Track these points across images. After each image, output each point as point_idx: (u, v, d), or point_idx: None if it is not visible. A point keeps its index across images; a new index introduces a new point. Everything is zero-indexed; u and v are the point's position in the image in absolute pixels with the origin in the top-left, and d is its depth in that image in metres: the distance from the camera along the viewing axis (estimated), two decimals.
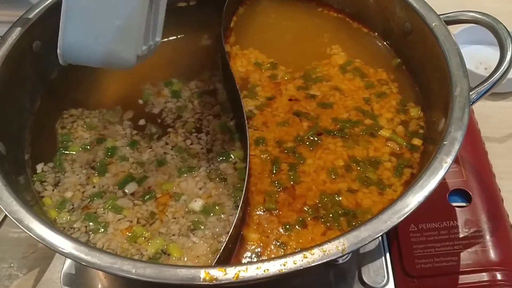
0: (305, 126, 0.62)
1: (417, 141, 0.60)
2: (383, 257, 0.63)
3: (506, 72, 0.56)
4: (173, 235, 0.53)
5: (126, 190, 0.57)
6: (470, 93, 0.55)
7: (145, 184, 0.58)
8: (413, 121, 0.62)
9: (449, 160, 0.49)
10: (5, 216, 0.69)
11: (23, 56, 0.63)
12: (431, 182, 0.48)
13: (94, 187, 0.58)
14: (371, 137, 0.61)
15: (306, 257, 0.43)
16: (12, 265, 0.76)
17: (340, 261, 0.62)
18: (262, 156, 0.59)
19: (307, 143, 0.60)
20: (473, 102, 0.55)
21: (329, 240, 0.44)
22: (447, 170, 0.49)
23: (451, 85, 0.55)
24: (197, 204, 0.55)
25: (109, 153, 0.61)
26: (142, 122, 0.64)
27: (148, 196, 0.56)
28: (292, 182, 0.57)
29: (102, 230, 0.54)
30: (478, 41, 0.95)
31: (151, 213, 0.55)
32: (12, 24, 0.63)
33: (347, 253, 0.43)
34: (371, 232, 0.44)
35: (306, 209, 0.55)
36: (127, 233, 0.54)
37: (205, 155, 0.61)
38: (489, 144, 0.76)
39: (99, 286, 0.62)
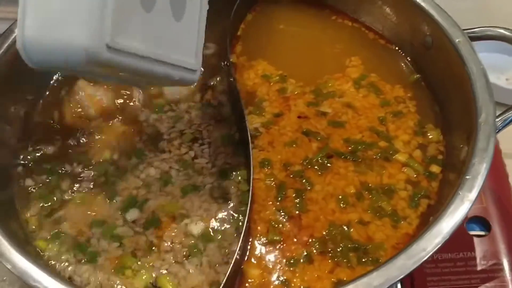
0: (314, 147, 0.57)
1: (435, 168, 0.55)
2: None
3: None
4: (166, 264, 0.49)
5: (128, 218, 0.53)
6: (496, 119, 0.50)
7: (146, 208, 0.54)
8: (431, 145, 0.58)
9: (472, 196, 0.45)
10: None
11: None
12: (451, 222, 0.43)
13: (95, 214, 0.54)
14: (385, 161, 0.56)
15: None
16: (4, 278, 0.74)
17: None
18: (267, 180, 0.55)
19: (316, 166, 0.56)
20: (499, 130, 0.51)
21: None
22: (469, 209, 0.44)
23: (476, 110, 0.51)
24: (198, 228, 0.51)
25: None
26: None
27: (151, 223, 0.53)
28: (298, 211, 0.53)
29: (91, 260, 0.50)
30: (497, 49, 0.89)
31: (149, 243, 0.51)
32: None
33: None
34: (383, 279, 0.41)
35: (312, 241, 0.50)
36: (116, 262, 0.50)
37: (209, 170, 0.57)
38: (508, 161, 0.71)
39: None
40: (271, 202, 0.53)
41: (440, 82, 0.61)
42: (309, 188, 0.54)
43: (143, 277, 0.48)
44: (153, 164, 0.57)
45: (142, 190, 0.55)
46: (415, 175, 0.55)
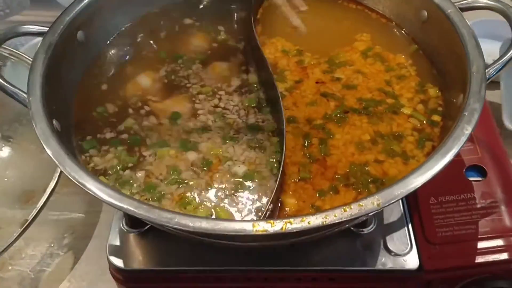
0: (332, 105, 0.67)
1: (436, 117, 0.65)
2: (405, 227, 0.67)
3: None
4: (219, 200, 0.58)
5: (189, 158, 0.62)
6: (486, 69, 0.60)
7: (199, 150, 0.63)
8: (431, 100, 0.67)
9: (470, 128, 0.54)
10: (46, 199, 0.75)
11: (69, 43, 0.69)
12: (454, 146, 0.52)
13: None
14: (393, 114, 0.66)
15: (345, 211, 0.48)
16: (52, 245, 0.81)
17: (366, 231, 0.66)
18: (294, 132, 0.64)
19: (335, 120, 0.65)
20: (489, 78, 0.60)
21: (365, 197, 0.48)
22: (468, 136, 0.53)
23: (468, 63, 0.60)
24: (241, 170, 0.60)
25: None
26: None
27: (205, 164, 0.61)
28: (323, 154, 0.62)
29: (158, 198, 0.59)
30: (486, 35, 1.01)
31: (206, 183, 0.60)
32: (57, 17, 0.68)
33: (382, 207, 0.48)
34: (402, 189, 0.49)
35: (337, 177, 0.59)
36: (179, 198, 0.58)
37: (241, 123, 0.66)
38: None
39: (140, 256, 0.66)
40: (299, 149, 0.62)
41: (436, 49, 0.70)
42: (330, 137, 0.63)
43: (201, 211, 0.57)
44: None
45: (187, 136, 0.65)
46: (419, 124, 0.65)
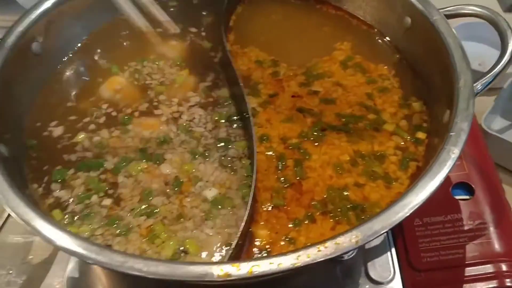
0: (309, 122, 0.62)
1: (421, 135, 0.60)
2: (388, 252, 0.63)
3: (508, 63, 0.56)
4: (189, 231, 0.53)
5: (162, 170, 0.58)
6: (474, 84, 0.55)
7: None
8: (416, 115, 0.62)
9: (457, 150, 0.49)
10: (5, 221, 0.69)
11: (23, 57, 0.62)
12: (440, 172, 0.48)
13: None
14: (375, 131, 0.61)
15: (320, 251, 0.42)
16: (10, 271, 0.75)
17: (346, 257, 0.62)
18: (267, 153, 0.59)
19: (312, 138, 0.60)
20: (477, 93, 0.56)
21: (342, 233, 0.43)
22: (455, 161, 0.49)
23: (455, 77, 0.56)
24: (211, 193, 0.55)
25: None
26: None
27: (177, 185, 0.56)
28: (298, 178, 0.57)
29: (124, 233, 0.53)
30: (470, 38, 0.96)
31: (176, 211, 0.55)
32: (10, 27, 0.62)
33: (360, 246, 0.43)
34: (384, 223, 0.44)
35: (314, 204, 0.54)
36: (147, 233, 0.53)
37: (209, 139, 0.61)
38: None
39: None
40: (272, 172, 0.57)
41: (421, 58, 0.66)
42: (307, 157, 0.58)
43: (170, 242, 0.52)
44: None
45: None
46: (402, 142, 0.60)
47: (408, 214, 0.45)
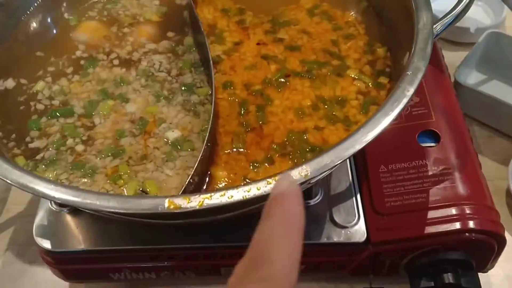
0: (273, 68, 0.62)
1: (383, 79, 0.60)
2: (353, 198, 0.63)
3: (469, 3, 0.56)
4: (149, 172, 0.54)
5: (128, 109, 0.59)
6: (434, 25, 0.55)
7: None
8: (379, 60, 0.62)
9: (412, 89, 0.49)
10: None
11: None
12: (394, 110, 0.48)
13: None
14: (338, 77, 0.61)
15: (269, 183, 0.43)
16: None
17: (312, 202, 0.63)
18: (230, 98, 0.59)
19: (275, 85, 0.60)
20: (438, 35, 0.56)
21: (292, 168, 0.44)
22: (409, 98, 0.49)
23: (415, 19, 0.56)
24: (173, 135, 0.56)
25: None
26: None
27: (142, 125, 0.57)
28: (260, 122, 0.57)
29: (90, 174, 0.54)
30: None
31: (141, 152, 0.56)
32: None
33: (310, 179, 0.44)
34: (333, 157, 0.45)
35: (273, 147, 0.55)
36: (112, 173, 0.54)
37: (174, 83, 0.61)
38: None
39: (71, 236, 0.62)
40: (234, 117, 0.58)
41: (386, 4, 0.65)
42: (269, 103, 0.58)
43: (133, 182, 0.53)
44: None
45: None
46: (365, 87, 0.60)
47: (357, 150, 0.45)
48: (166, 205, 0.42)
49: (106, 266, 0.63)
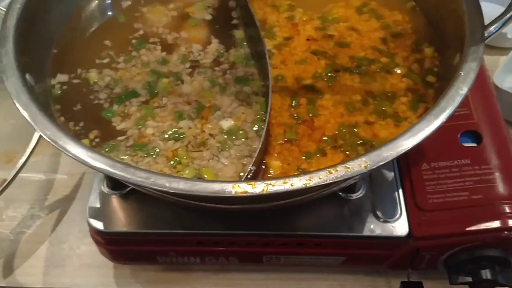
0: (322, 64, 0.64)
1: (431, 78, 0.62)
2: (396, 193, 0.65)
3: None
4: (206, 160, 0.56)
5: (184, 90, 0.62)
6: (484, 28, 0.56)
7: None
8: (427, 59, 0.64)
9: (465, 88, 0.51)
10: (27, 159, 0.72)
11: None
12: (448, 107, 0.49)
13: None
14: (387, 73, 0.62)
15: (331, 173, 0.45)
16: (33, 206, 0.79)
17: (354, 196, 0.64)
18: (281, 91, 0.61)
19: (325, 79, 0.62)
20: (488, 37, 0.57)
21: (352, 159, 0.46)
22: (463, 97, 0.50)
23: (466, 21, 0.57)
24: (227, 123, 0.58)
25: None
26: None
27: (199, 108, 0.60)
28: (311, 115, 0.59)
29: (153, 155, 0.57)
30: None
31: (198, 134, 0.58)
32: None
33: (370, 171, 0.45)
34: (392, 151, 0.46)
35: (325, 139, 0.57)
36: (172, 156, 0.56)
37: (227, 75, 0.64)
38: None
39: (121, 218, 0.64)
40: (286, 109, 0.60)
41: (433, 5, 0.67)
42: (319, 97, 0.60)
43: (187, 172, 0.55)
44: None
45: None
46: (413, 84, 0.61)
47: (414, 144, 0.47)
48: (233, 189, 0.44)
49: (153, 249, 0.65)
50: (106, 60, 0.66)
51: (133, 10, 0.72)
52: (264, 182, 0.44)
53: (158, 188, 0.44)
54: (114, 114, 0.61)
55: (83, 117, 0.61)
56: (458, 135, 0.69)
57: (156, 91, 0.63)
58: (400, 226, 0.62)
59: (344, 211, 0.64)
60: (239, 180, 0.53)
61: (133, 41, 0.68)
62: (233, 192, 0.44)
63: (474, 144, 0.69)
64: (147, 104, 0.62)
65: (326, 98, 0.60)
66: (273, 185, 0.44)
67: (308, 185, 0.44)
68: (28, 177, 0.81)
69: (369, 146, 0.56)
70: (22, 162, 0.72)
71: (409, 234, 0.62)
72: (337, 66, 0.63)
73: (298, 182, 0.45)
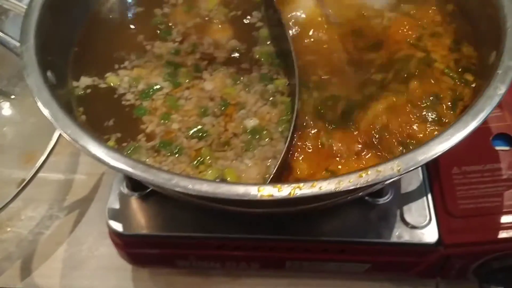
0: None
1: (469, 76, 0.59)
2: (424, 197, 0.62)
3: None
4: (230, 160, 0.54)
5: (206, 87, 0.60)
6: None
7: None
8: (464, 58, 0.61)
9: (504, 87, 0.48)
10: (46, 159, 0.71)
11: None
12: (486, 108, 0.47)
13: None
14: (427, 67, 0.60)
15: (361, 177, 0.43)
16: (52, 206, 0.78)
17: (381, 201, 0.62)
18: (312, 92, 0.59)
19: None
20: None
21: (384, 162, 0.43)
22: (501, 97, 0.48)
23: (503, 18, 0.54)
24: (251, 123, 0.56)
25: None
26: None
27: (224, 105, 0.59)
28: (345, 117, 0.57)
29: (177, 153, 0.55)
30: None
31: (222, 133, 0.57)
32: None
33: (402, 174, 0.43)
34: (426, 154, 0.44)
35: (358, 140, 0.55)
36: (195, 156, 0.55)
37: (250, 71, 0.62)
38: None
39: (141, 220, 0.63)
40: (315, 110, 0.57)
41: (470, 6, 0.64)
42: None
43: (210, 173, 0.53)
44: None
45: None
46: (452, 83, 0.59)
47: (450, 146, 0.44)
48: (258, 192, 0.42)
49: (173, 252, 0.64)
50: (125, 61, 0.65)
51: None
52: (291, 185, 0.42)
53: (181, 190, 0.43)
54: (145, 112, 0.59)
55: (107, 117, 0.59)
56: (491, 138, 0.66)
57: (178, 81, 0.61)
58: (429, 233, 0.60)
59: (371, 217, 0.62)
60: (264, 182, 0.51)
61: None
62: (258, 195, 0.42)
63: (507, 148, 0.66)
64: (172, 95, 0.60)
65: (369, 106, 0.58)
66: (300, 188, 0.42)
67: (338, 189, 0.42)
68: (47, 176, 0.80)
69: (406, 148, 0.53)
70: (41, 162, 0.71)
71: (439, 241, 0.60)
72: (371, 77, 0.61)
73: (327, 186, 0.42)
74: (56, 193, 0.79)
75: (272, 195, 0.42)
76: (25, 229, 0.76)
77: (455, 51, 0.62)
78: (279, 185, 0.42)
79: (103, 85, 0.62)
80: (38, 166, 0.70)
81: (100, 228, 0.73)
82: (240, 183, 0.44)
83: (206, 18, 0.69)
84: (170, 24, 0.68)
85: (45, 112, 0.49)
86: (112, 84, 0.62)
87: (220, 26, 0.68)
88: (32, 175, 0.69)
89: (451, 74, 0.59)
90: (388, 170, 0.43)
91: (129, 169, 0.44)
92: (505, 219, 0.60)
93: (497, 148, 0.66)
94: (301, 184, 0.42)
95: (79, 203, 0.78)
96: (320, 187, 0.42)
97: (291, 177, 0.52)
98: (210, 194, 0.42)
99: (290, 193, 0.42)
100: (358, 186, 0.42)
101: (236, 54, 0.64)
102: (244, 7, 0.69)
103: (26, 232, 0.75)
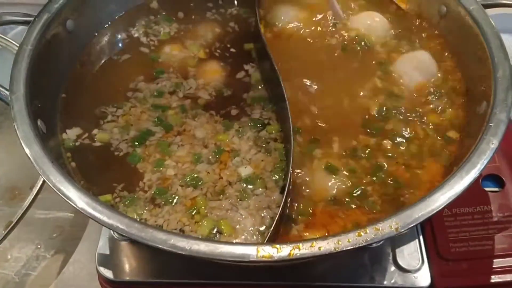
0: None
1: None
2: (416, 240, 0.63)
3: None
4: (225, 210, 0.54)
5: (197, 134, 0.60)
6: None
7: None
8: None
9: (496, 141, 0.49)
10: (34, 198, 0.70)
11: (57, 34, 0.63)
12: (480, 162, 0.48)
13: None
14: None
15: (360, 235, 0.43)
16: (39, 246, 0.76)
17: (375, 244, 0.62)
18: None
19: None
20: None
21: (382, 220, 0.44)
22: (494, 151, 0.49)
23: (493, 67, 0.55)
24: (246, 171, 0.56)
25: None
26: None
27: (218, 152, 0.58)
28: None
29: (171, 203, 0.55)
30: (505, 29, 0.94)
31: (217, 181, 0.56)
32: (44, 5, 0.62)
33: (401, 232, 0.43)
34: (423, 211, 0.44)
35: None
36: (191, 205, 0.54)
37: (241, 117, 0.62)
38: None
39: (132, 266, 0.61)
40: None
41: (456, 48, 0.65)
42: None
43: (205, 224, 0.53)
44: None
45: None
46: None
47: (448, 202, 0.45)
48: (258, 254, 0.42)
49: None
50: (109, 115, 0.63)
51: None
52: (290, 245, 0.42)
53: (178, 251, 0.42)
54: (139, 159, 0.58)
55: (102, 169, 0.58)
56: (480, 180, 0.67)
57: (169, 124, 0.61)
58: (422, 277, 0.60)
59: (364, 260, 0.62)
60: (259, 234, 0.50)
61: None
62: (257, 256, 0.42)
63: (497, 189, 0.67)
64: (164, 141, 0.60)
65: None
66: (299, 249, 0.42)
67: (337, 249, 0.42)
68: (33, 214, 0.78)
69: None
70: (29, 201, 0.69)
71: (432, 285, 0.60)
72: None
73: (326, 246, 0.42)
74: (43, 232, 0.77)
75: (271, 256, 0.42)
76: (12, 271, 0.73)
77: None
78: (278, 246, 0.42)
79: (96, 144, 0.61)
80: (26, 206, 0.69)
81: (88, 269, 0.71)
82: (238, 243, 0.43)
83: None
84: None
85: (36, 167, 0.48)
86: (103, 142, 0.60)
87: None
88: (19, 216, 0.68)
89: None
90: (386, 228, 0.43)
91: (124, 228, 0.44)
92: (497, 263, 0.61)
93: (487, 189, 0.66)
94: (300, 244, 0.42)
95: (67, 242, 0.76)
96: (319, 247, 0.42)
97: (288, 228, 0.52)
98: (208, 256, 0.42)
99: (289, 253, 0.42)
100: (357, 246, 0.43)
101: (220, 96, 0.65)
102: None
103: (13, 273, 0.73)
